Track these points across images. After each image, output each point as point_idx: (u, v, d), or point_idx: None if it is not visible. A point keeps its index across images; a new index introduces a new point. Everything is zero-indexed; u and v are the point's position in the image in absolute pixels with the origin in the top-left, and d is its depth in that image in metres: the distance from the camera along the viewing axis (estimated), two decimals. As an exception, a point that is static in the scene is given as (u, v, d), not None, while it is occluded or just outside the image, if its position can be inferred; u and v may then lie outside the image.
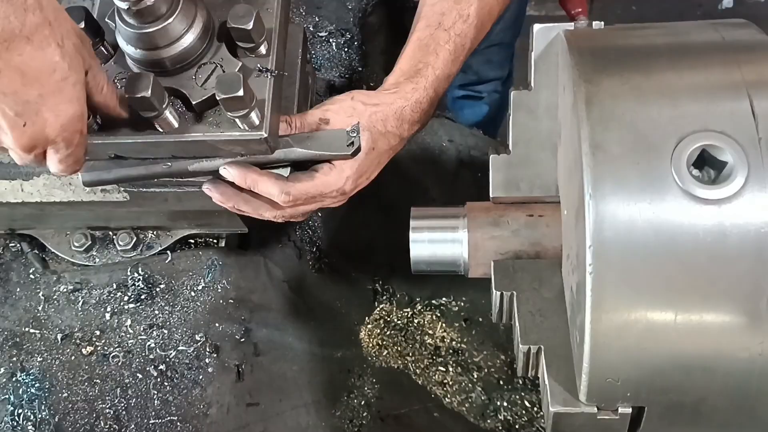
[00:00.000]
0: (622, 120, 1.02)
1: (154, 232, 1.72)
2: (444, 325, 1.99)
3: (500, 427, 1.92)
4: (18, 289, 1.74)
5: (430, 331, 1.99)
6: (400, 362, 1.95)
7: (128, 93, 1.21)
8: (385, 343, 1.97)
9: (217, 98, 1.21)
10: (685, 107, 1.02)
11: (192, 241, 1.76)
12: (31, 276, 1.75)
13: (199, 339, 1.62)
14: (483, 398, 1.93)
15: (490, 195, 1.45)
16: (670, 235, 0.97)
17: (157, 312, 1.66)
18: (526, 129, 1.43)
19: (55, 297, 1.71)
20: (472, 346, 1.98)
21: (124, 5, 1.20)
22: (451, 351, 1.98)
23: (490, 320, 2.01)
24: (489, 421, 1.92)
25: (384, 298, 2.01)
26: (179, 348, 1.62)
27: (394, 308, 2.00)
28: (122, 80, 1.32)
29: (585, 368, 1.04)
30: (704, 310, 0.99)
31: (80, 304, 1.69)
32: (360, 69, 2.11)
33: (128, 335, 1.65)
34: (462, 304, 2.02)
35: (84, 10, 1.28)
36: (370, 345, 1.95)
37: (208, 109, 1.31)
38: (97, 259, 1.72)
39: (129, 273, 1.68)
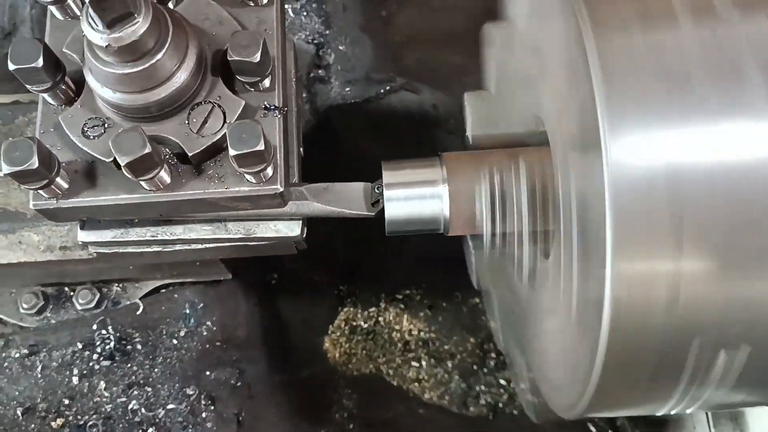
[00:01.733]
0: (634, 42, 0.79)
1: (120, 285, 1.36)
2: (409, 317, 1.78)
3: (485, 411, 1.75)
4: (-46, 362, 1.34)
5: (397, 327, 1.77)
6: (371, 366, 1.72)
7: (122, 155, 0.87)
8: (352, 350, 1.73)
9: (230, 155, 0.89)
10: None
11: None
12: (-27, 343, 1.36)
13: (191, 392, 1.31)
14: (462, 386, 1.75)
15: (468, 133, 1.16)
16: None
17: (135, 368, 1.32)
18: (502, 64, 1.16)
19: (5, 365, 1.32)
20: (440, 333, 1.78)
21: (101, 42, 0.85)
22: (420, 343, 1.77)
23: (454, 304, 1.81)
24: (472, 408, 1.74)
25: (348, 301, 1.76)
26: (168, 406, 1.30)
27: (359, 310, 1.76)
28: (94, 128, 0.97)
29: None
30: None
31: (39, 369, 1.32)
32: (326, 32, 1.74)
33: (104, 399, 1.30)
34: (423, 291, 1.81)
35: (41, 44, 0.91)
36: (337, 355, 1.71)
37: (207, 159, 0.98)
38: (53, 321, 1.35)
39: (95, 329, 1.33)
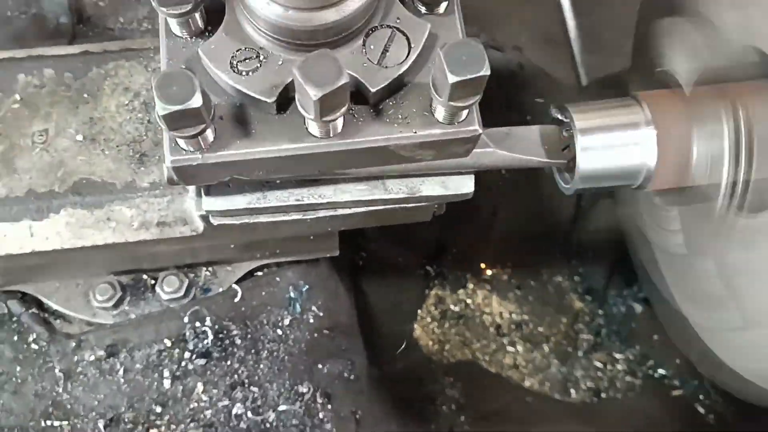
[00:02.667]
0: None
1: (209, 269, 1.15)
2: (498, 298, 1.62)
3: (589, 396, 1.61)
4: (18, 369, 1.11)
5: (487, 310, 1.61)
6: (467, 352, 1.56)
7: (314, 86, 0.67)
8: (445, 336, 1.56)
9: (449, 82, 0.70)
10: None
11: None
12: (34, 346, 1.13)
13: (304, 390, 1.12)
14: (562, 371, 1.60)
15: (665, 69, 0.97)
16: None
17: (237, 366, 1.11)
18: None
19: (80, 370, 1.10)
20: (533, 314, 1.63)
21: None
22: (513, 326, 1.61)
23: (541, 281, 1.66)
24: (574, 393, 1.60)
25: (435, 282, 1.59)
26: (280, 408, 1.10)
27: (448, 292, 1.59)
28: (246, 62, 0.76)
29: None
30: None
31: (120, 373, 1.11)
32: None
33: (203, 404, 1.10)
34: (510, 270, 1.65)
35: None
36: (430, 342, 1.53)
37: (387, 97, 0.79)
38: (132, 315, 1.13)
39: (186, 321, 1.12)
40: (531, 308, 1.62)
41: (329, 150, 0.77)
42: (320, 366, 1.13)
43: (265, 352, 1.12)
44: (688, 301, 1.07)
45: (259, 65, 0.76)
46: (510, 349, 1.58)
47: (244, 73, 0.75)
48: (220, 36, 0.76)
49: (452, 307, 1.55)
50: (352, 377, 1.15)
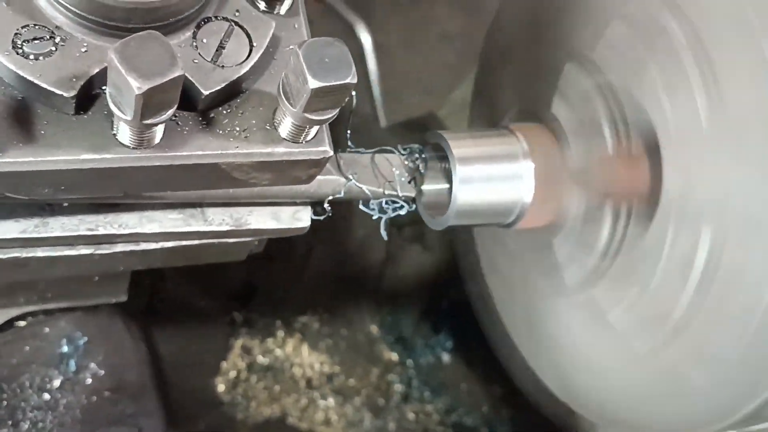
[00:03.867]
0: None
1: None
2: (309, 348, 1.50)
3: (403, 447, 1.53)
4: None
5: (298, 360, 1.48)
6: (276, 407, 1.41)
7: (140, 77, 0.51)
8: (253, 390, 1.40)
9: (310, 87, 0.57)
10: None
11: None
12: None
13: (77, 470, 0.90)
14: (375, 424, 1.51)
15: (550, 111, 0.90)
16: None
17: (-15, 443, 0.87)
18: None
19: None
20: (343, 365, 1.53)
21: None
22: (324, 378, 1.50)
23: (352, 329, 1.57)
24: (389, 445, 1.51)
25: (242, 331, 1.42)
26: (44, 494, 0.87)
27: (256, 342, 1.43)
28: (35, 43, 0.58)
29: None
30: None
31: None
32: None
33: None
34: (320, 317, 1.54)
35: None
36: (236, 399, 1.36)
37: (219, 105, 0.64)
38: None
39: None
40: (342, 359, 1.52)
41: (143, 164, 0.60)
42: (99, 437, 0.92)
43: (27, 423, 0.89)
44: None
45: (54, 48, 0.58)
46: (322, 402, 1.45)
47: (32, 57, 0.57)
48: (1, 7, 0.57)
49: (260, 358, 1.39)
50: (138, 448, 0.95)
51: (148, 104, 0.53)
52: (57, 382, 0.92)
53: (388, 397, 1.52)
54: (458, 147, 0.79)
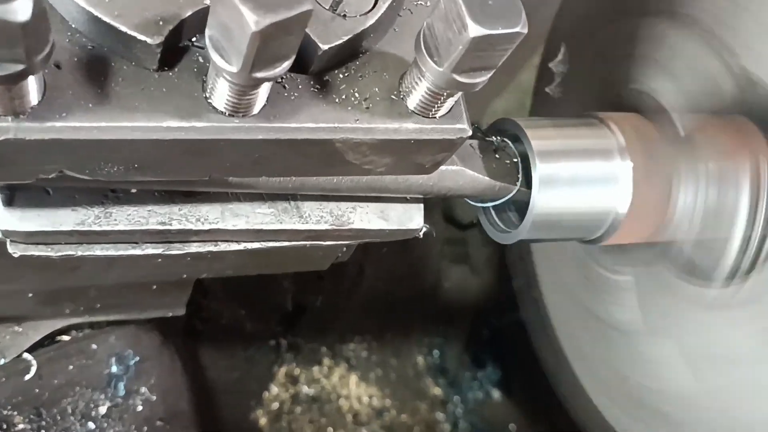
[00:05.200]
0: None
1: (-9, 325, 0.76)
2: (357, 379, 1.36)
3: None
4: None
5: (345, 392, 1.34)
6: (320, 446, 1.26)
7: (262, 15, 0.38)
8: (295, 425, 1.25)
9: (470, 35, 0.43)
10: None
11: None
12: None
13: None
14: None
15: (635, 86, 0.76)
16: None
17: (19, 480, 0.73)
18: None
19: None
20: (393, 399, 1.38)
21: None
22: (373, 413, 1.35)
23: (401, 359, 1.43)
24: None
25: (288, 356, 1.28)
26: None
27: (302, 369, 1.29)
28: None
29: None
30: None
31: None
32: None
33: None
34: (370, 344, 1.40)
35: None
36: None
37: (335, 67, 0.51)
38: None
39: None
40: (392, 391, 1.37)
41: (241, 137, 0.47)
42: (151, 476, 0.78)
43: (68, 456, 0.75)
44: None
45: (131, -15, 0.44)
46: (369, 440, 1.31)
47: (106, -7, 0.44)
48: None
49: (305, 388, 1.24)
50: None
51: (264, 48, 0.39)
52: (103, 409, 0.78)
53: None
54: (538, 138, 0.64)
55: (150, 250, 0.59)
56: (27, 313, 0.76)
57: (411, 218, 0.63)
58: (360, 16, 0.50)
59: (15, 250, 0.55)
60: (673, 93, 0.73)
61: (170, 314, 0.82)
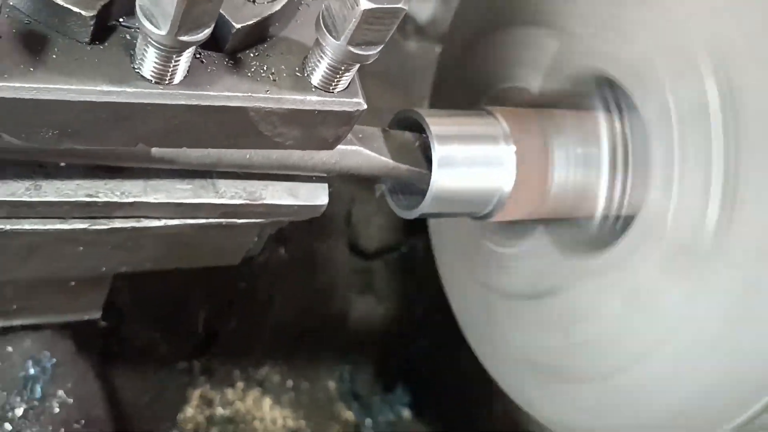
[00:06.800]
0: None
1: None
2: (272, 402, 1.39)
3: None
4: None
5: (259, 414, 1.36)
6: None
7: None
8: (212, 447, 1.27)
9: (361, 8, 0.52)
10: None
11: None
12: None
13: None
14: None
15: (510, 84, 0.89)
16: None
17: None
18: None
19: None
20: (307, 420, 1.42)
21: None
22: (287, 435, 1.39)
23: (313, 383, 1.48)
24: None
25: (201, 378, 1.30)
26: None
27: (216, 392, 1.31)
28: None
29: None
30: None
31: None
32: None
33: None
34: (282, 368, 1.44)
35: None
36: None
37: (246, 48, 0.59)
38: None
39: None
40: (306, 413, 1.41)
41: (166, 102, 0.54)
42: (68, 476, 0.80)
43: (-18, 459, 0.76)
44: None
45: (67, -38, 0.51)
46: (283, 463, 1.33)
47: (43, -30, 0.50)
48: None
49: (220, 409, 1.26)
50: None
51: (189, 12, 0.47)
52: (20, 411, 0.79)
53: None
54: (437, 125, 0.74)
55: (77, 224, 0.63)
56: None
57: (317, 196, 0.71)
58: (267, 3, 0.58)
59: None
60: (541, 86, 0.84)
61: (86, 317, 0.85)
